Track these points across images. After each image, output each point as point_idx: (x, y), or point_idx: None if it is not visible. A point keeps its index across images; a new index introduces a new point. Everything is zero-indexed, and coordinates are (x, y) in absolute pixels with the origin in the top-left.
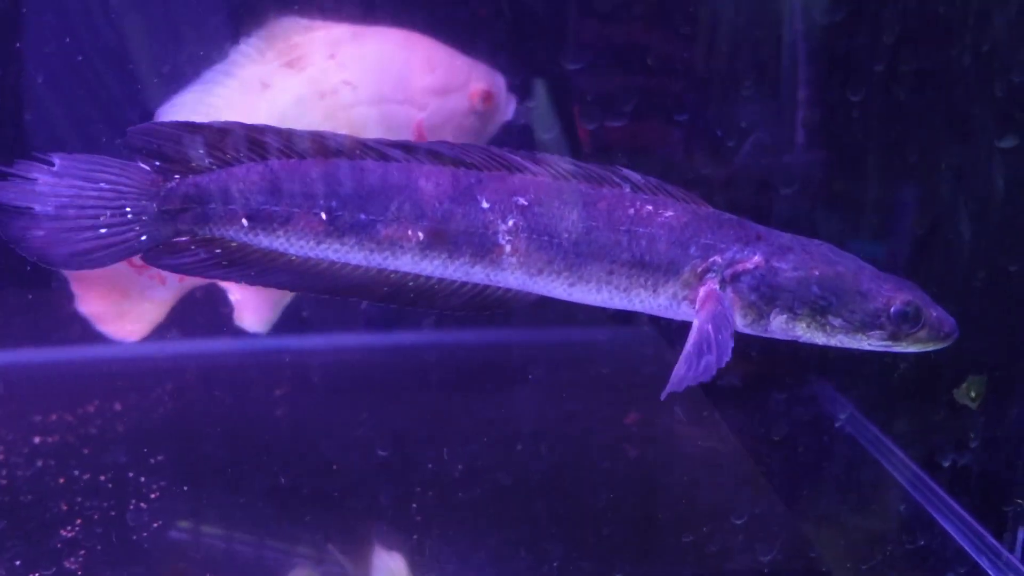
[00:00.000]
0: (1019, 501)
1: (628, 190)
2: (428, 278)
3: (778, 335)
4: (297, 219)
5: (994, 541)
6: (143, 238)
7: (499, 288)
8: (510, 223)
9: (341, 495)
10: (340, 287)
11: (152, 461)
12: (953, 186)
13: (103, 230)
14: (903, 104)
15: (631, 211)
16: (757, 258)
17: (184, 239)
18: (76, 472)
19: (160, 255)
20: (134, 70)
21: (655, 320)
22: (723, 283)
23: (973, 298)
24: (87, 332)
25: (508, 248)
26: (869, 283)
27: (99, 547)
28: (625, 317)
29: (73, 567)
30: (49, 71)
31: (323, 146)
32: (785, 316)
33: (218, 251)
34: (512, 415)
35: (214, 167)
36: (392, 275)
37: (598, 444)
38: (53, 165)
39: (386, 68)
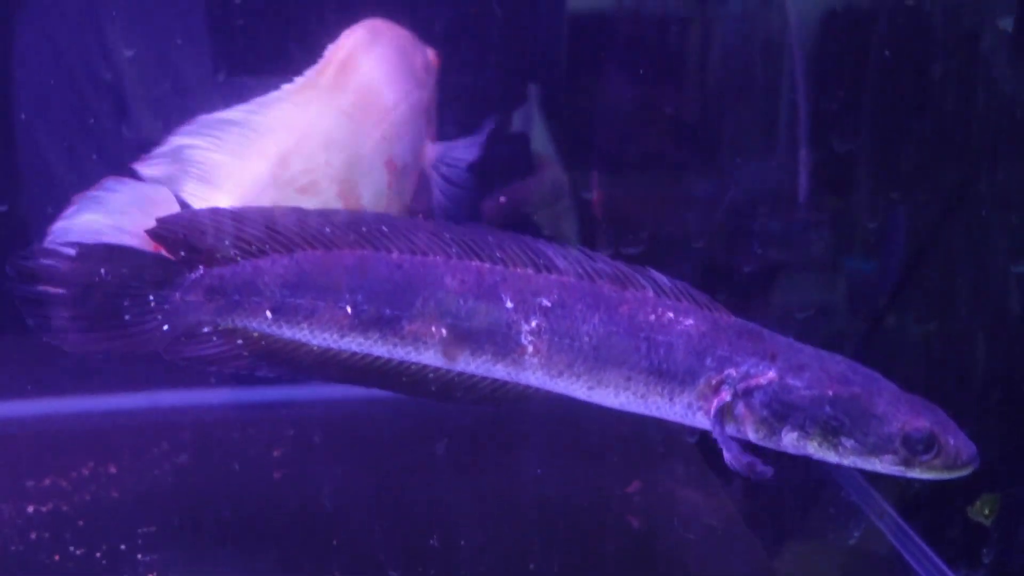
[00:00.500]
0: None
1: (651, 294)
2: (448, 371)
3: (790, 451)
4: (322, 312)
5: None
6: (165, 328)
7: (519, 384)
8: (533, 324)
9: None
10: (361, 377)
11: (148, 532)
12: (970, 307)
13: (126, 316)
14: (919, 232)
15: (652, 317)
16: (771, 374)
17: (206, 330)
18: (71, 548)
19: (181, 346)
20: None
21: None
22: (735, 396)
23: (988, 417)
24: (78, 384)
25: (530, 348)
26: (885, 406)
27: None
28: None
29: None
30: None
31: (350, 232)
32: (796, 434)
33: (239, 342)
34: (513, 480)
35: (238, 258)
36: (412, 366)
37: (600, 516)
38: (74, 251)
39: (404, 60)
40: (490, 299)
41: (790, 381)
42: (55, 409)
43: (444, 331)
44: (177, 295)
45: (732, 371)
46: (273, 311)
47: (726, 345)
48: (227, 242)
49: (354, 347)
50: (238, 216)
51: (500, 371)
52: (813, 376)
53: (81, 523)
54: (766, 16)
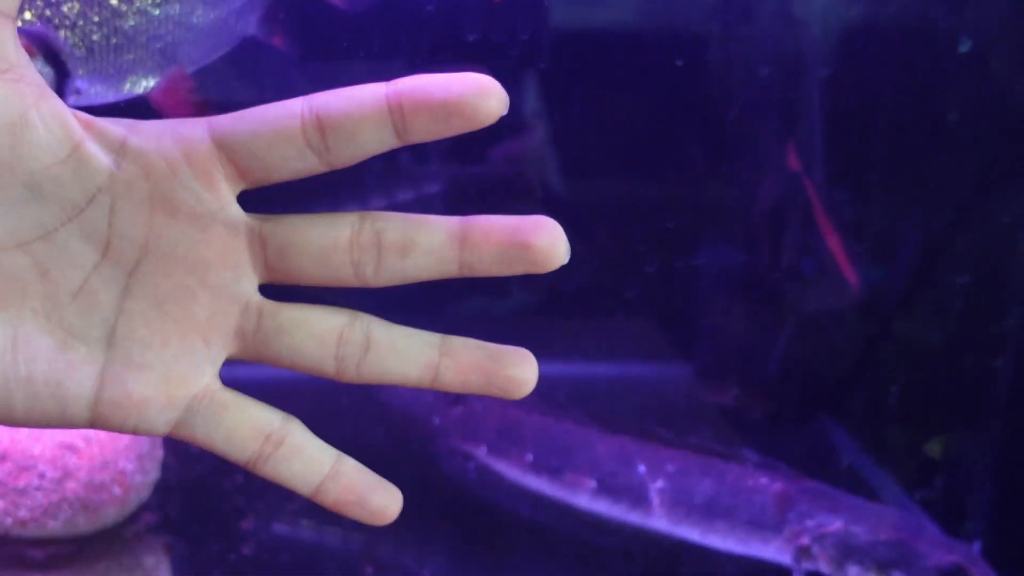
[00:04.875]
0: None
1: (750, 465)
2: (598, 512)
3: None
4: (512, 456)
5: None
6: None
7: (649, 530)
8: (659, 484)
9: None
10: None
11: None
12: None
13: None
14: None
15: (750, 483)
16: (838, 524)
17: (455, 442)
18: None
19: (449, 452)
20: None
21: (688, 357)
22: (812, 540)
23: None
24: None
25: (656, 502)
26: (925, 547)
27: None
28: (660, 353)
29: None
30: None
31: (542, 400)
32: (858, 568)
33: (470, 463)
34: None
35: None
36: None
37: None
38: None
39: None
40: (628, 463)
41: (852, 528)
42: None
43: (593, 483)
44: (453, 415)
45: (809, 522)
46: (488, 448)
47: (805, 504)
48: None
49: (530, 485)
50: None
51: (633, 518)
52: (870, 525)
53: None
54: (786, 33)
